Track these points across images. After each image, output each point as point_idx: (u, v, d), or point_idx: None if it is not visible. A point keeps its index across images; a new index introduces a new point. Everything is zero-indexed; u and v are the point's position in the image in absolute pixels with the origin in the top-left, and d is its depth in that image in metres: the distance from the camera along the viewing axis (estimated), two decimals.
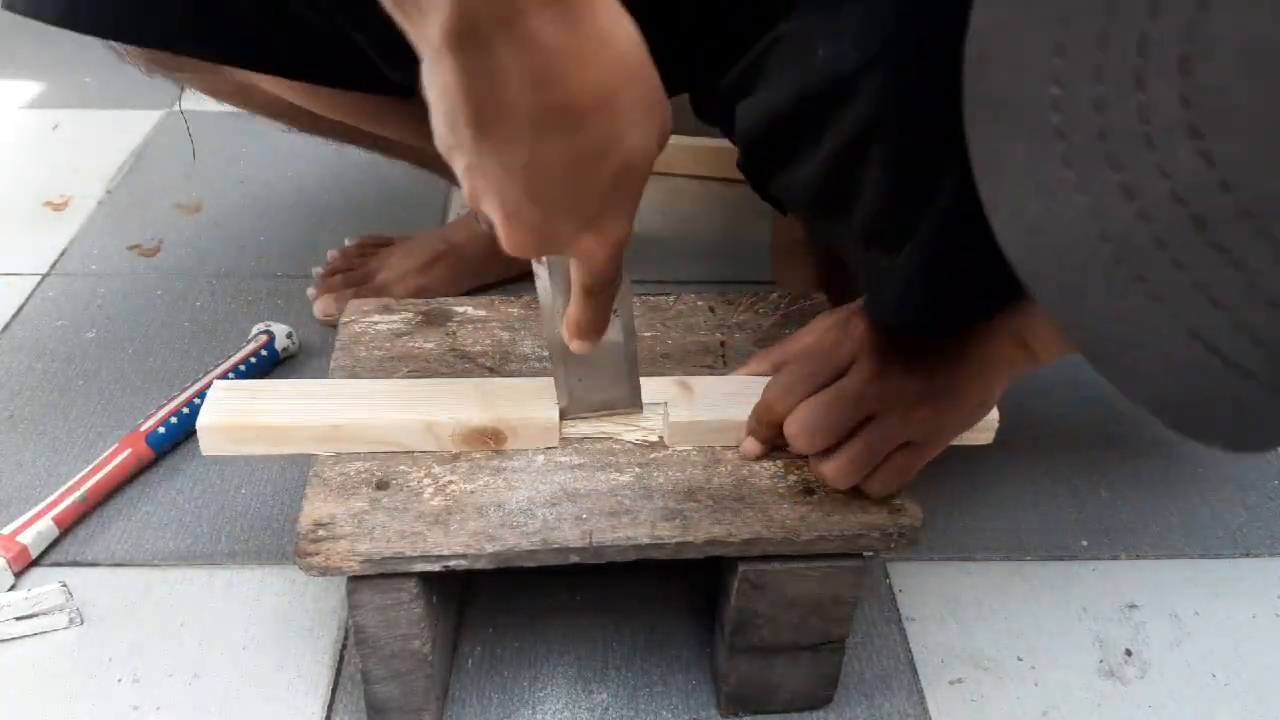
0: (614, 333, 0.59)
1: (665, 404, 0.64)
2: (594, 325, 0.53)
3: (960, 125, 0.48)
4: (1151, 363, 0.31)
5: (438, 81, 0.40)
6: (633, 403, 0.64)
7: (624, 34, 0.41)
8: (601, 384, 0.63)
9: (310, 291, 1.00)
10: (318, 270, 1.02)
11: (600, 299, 0.52)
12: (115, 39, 0.72)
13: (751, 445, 0.63)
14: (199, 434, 0.61)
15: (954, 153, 0.48)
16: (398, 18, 0.39)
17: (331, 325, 0.94)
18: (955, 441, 0.65)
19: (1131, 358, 0.31)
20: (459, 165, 0.44)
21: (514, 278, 1.06)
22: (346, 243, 1.06)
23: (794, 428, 0.60)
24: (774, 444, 0.63)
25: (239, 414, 0.62)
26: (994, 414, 0.66)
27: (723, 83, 0.69)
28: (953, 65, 0.48)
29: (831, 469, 0.60)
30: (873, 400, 0.59)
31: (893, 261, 0.55)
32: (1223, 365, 0.30)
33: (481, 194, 0.44)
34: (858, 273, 0.62)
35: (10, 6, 0.69)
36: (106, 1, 0.67)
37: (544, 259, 0.55)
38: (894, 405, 0.59)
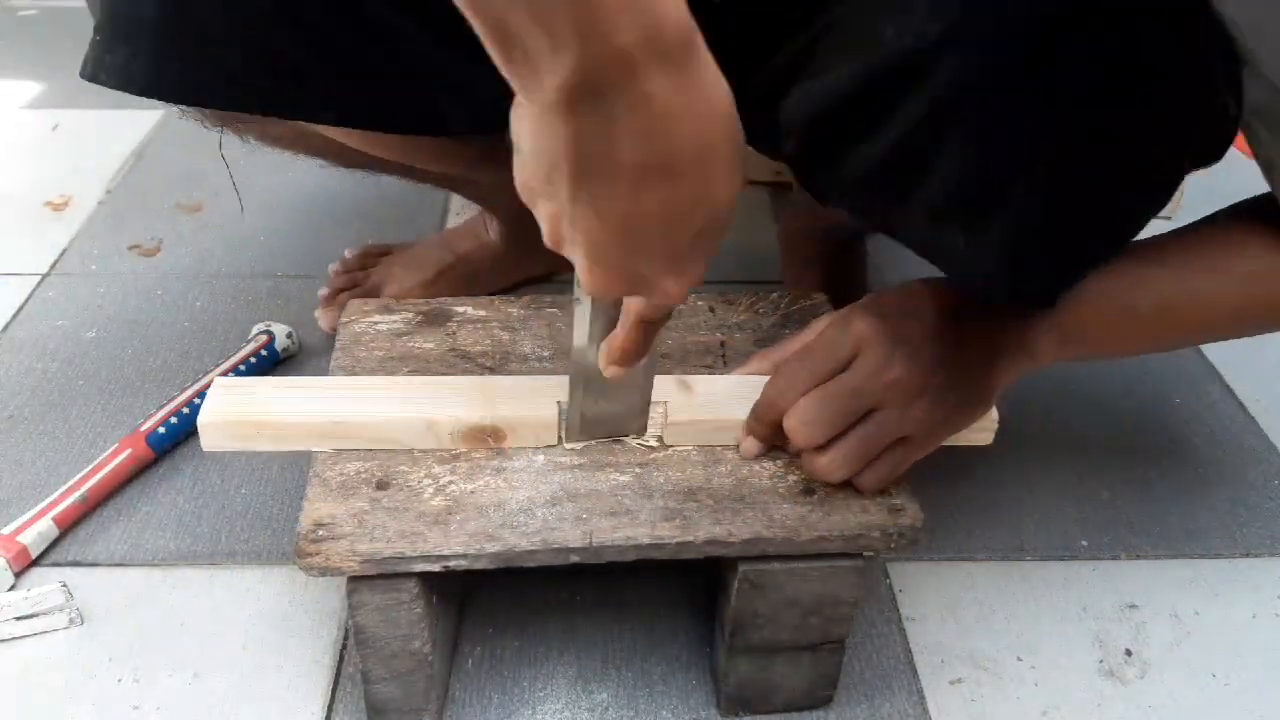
0: (641, 365, 0.60)
1: (665, 404, 0.64)
2: (638, 353, 0.55)
3: (1049, 97, 0.48)
4: None
5: (541, 135, 0.41)
6: (639, 428, 0.64)
7: (723, 92, 0.43)
8: (614, 411, 0.63)
9: (317, 312, 0.99)
10: (322, 293, 1.00)
11: (653, 330, 0.53)
12: (207, 106, 0.73)
13: (751, 444, 0.63)
14: (200, 430, 0.61)
15: (1048, 120, 0.48)
16: (506, 73, 0.40)
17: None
18: (955, 441, 0.65)
19: None
20: (543, 210, 0.45)
21: (520, 283, 1.05)
22: (346, 254, 1.05)
23: (792, 421, 0.60)
24: (773, 443, 0.63)
25: (240, 411, 0.62)
26: (993, 414, 0.66)
27: (755, 82, 0.68)
28: (1033, 34, 0.48)
29: (824, 462, 0.60)
30: (871, 396, 0.59)
31: (973, 235, 0.55)
32: None
33: (567, 239, 0.46)
34: (921, 252, 0.61)
35: (93, 78, 0.69)
36: (188, 70, 0.68)
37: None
38: (893, 401, 0.59)
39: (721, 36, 0.49)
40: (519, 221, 0.48)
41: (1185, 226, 0.65)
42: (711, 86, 0.42)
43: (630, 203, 0.43)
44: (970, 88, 0.50)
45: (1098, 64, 0.48)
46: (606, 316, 0.55)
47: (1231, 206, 0.66)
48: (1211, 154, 0.60)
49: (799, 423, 0.60)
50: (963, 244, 0.56)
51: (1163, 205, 0.57)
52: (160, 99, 0.68)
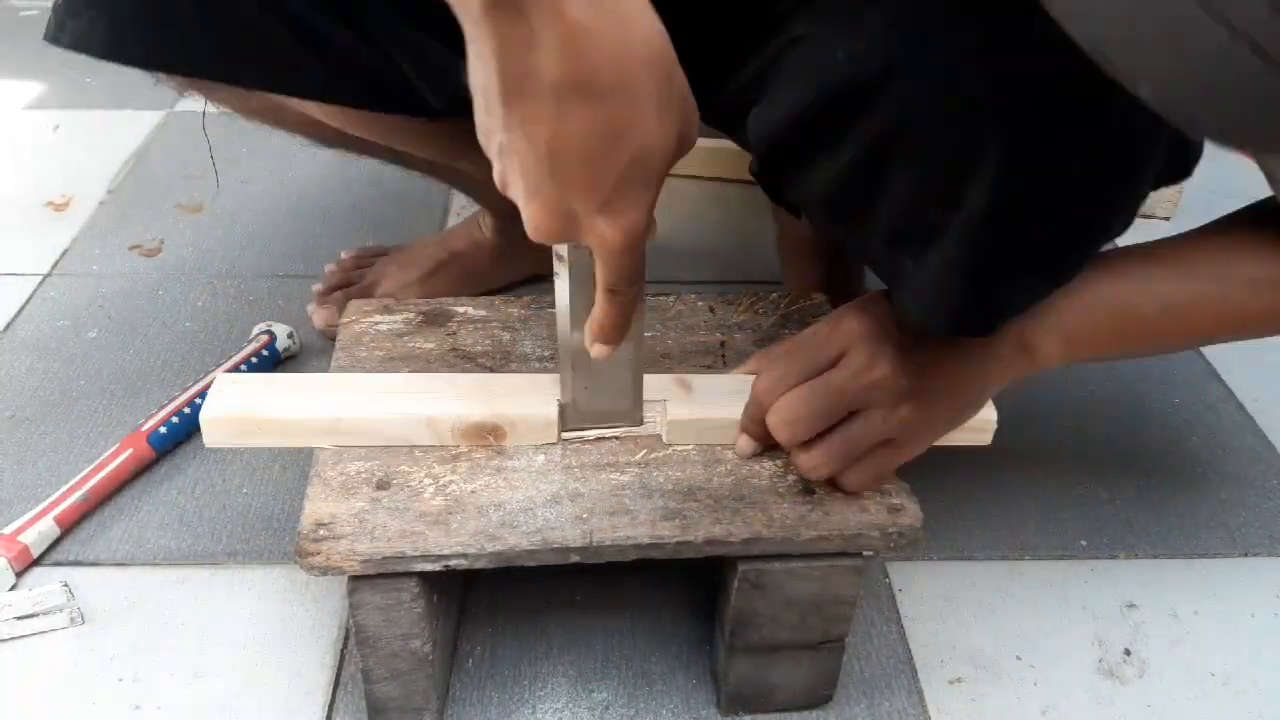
0: (624, 345, 0.60)
1: (664, 402, 0.64)
2: (616, 327, 0.54)
3: (990, 129, 0.48)
4: (1170, 51, 0.31)
5: (475, 58, 0.43)
6: (635, 418, 0.64)
7: (646, 24, 0.43)
8: (606, 395, 0.63)
9: (310, 307, 0.99)
10: (316, 288, 1.00)
11: (621, 298, 0.53)
12: (161, 70, 0.73)
13: (746, 444, 0.63)
14: (202, 426, 0.61)
15: (986, 152, 0.49)
16: None
17: (333, 339, 0.94)
18: (954, 442, 0.65)
19: (1147, 50, 0.31)
20: (494, 148, 0.46)
21: (517, 283, 1.05)
22: (343, 255, 1.05)
23: (774, 418, 0.60)
24: (768, 442, 0.63)
25: (242, 407, 0.62)
26: (992, 415, 0.66)
27: (731, 85, 0.68)
28: (979, 66, 0.48)
29: (807, 459, 0.60)
30: (857, 395, 0.59)
31: (918, 263, 0.55)
32: (1249, 50, 0.29)
33: (510, 176, 0.47)
34: (878, 274, 0.61)
35: (55, 40, 0.69)
36: (149, 34, 0.68)
37: (564, 258, 0.55)
38: (879, 402, 0.59)
39: (694, 42, 0.49)
40: (512, 217, 0.49)
41: (1189, 231, 0.65)
42: (634, 14, 0.43)
43: (553, 125, 0.43)
44: (914, 117, 0.50)
45: (1045, 94, 0.47)
46: (584, 290, 0.55)
47: (1235, 212, 0.66)
48: (1179, 172, 0.60)
49: (779, 419, 0.59)
50: (911, 269, 0.56)
51: (1123, 229, 0.56)
52: (119, 63, 0.68)
